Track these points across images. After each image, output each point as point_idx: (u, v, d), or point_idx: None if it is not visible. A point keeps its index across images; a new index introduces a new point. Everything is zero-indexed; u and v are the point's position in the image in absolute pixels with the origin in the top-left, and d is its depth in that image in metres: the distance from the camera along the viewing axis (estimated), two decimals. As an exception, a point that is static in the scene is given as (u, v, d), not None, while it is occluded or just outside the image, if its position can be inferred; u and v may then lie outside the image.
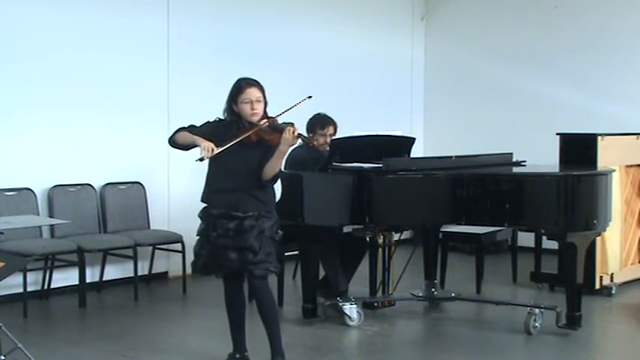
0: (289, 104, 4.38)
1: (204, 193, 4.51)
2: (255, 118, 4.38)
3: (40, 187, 6.38)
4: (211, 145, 4.25)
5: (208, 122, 4.53)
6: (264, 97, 4.44)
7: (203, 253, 4.49)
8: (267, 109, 4.45)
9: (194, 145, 4.38)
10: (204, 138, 4.30)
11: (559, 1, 8.57)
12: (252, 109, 4.37)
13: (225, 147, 4.26)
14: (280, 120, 4.41)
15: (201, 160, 4.25)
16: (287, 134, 4.26)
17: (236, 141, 4.27)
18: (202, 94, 7.25)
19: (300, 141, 4.44)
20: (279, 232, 4.65)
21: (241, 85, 4.42)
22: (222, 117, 4.51)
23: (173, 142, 4.50)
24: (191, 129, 4.47)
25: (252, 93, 4.38)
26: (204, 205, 4.51)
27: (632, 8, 8.15)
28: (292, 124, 4.34)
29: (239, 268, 4.43)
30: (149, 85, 7.06)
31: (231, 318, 4.62)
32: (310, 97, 4.48)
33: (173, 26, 7.18)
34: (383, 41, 9.11)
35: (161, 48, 7.13)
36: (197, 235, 4.56)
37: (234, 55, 7.57)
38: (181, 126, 4.52)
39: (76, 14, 6.55)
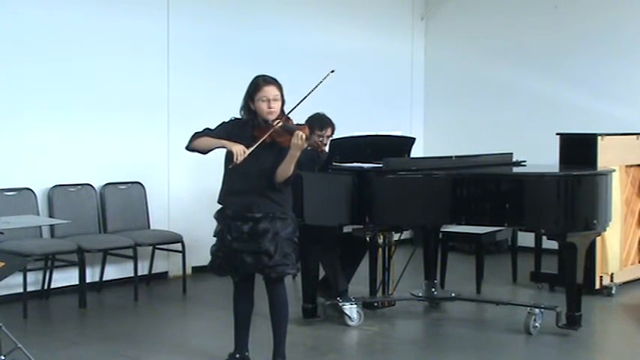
0: (309, 88, 4.28)
1: (220, 194, 4.44)
2: (272, 117, 4.28)
3: (40, 187, 6.38)
4: (242, 147, 4.15)
5: (224, 122, 4.43)
6: (282, 96, 4.34)
7: (219, 255, 4.44)
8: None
9: (215, 148, 4.29)
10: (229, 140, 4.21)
11: (559, 1, 8.57)
12: (269, 107, 4.27)
13: (252, 148, 4.15)
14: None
15: (235, 166, 4.13)
16: (296, 139, 4.13)
17: (259, 142, 4.16)
18: (202, 94, 7.27)
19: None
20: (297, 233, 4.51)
21: (259, 83, 4.31)
22: (237, 116, 4.42)
23: (192, 148, 4.37)
24: (207, 132, 4.36)
25: (270, 91, 4.28)
26: (220, 206, 4.45)
27: (633, 8, 8.15)
28: (305, 127, 4.24)
29: (255, 271, 4.40)
30: (149, 86, 7.05)
31: (237, 317, 4.58)
32: (333, 71, 4.37)
33: (173, 27, 7.17)
34: (383, 41, 9.10)
35: (161, 49, 7.12)
36: (214, 236, 4.49)
37: (234, 56, 7.56)
38: (196, 131, 4.40)
39: (76, 15, 6.55)
